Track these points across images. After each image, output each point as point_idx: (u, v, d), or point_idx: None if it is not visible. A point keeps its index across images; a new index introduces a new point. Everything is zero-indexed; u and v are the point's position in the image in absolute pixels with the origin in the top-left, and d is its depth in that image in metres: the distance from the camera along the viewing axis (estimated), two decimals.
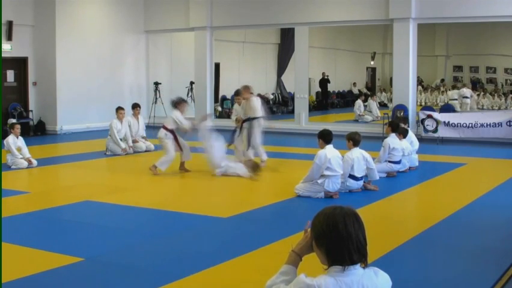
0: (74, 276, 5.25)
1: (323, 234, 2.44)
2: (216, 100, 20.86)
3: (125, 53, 19.49)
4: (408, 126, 11.60)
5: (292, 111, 18.72)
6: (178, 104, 10.93)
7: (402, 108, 15.91)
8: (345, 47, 27.65)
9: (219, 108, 21.52)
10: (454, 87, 25.61)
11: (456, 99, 22.47)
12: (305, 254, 2.66)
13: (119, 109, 13.17)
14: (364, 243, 2.44)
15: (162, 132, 10.76)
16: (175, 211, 7.75)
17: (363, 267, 2.47)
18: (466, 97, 22.68)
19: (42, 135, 17.15)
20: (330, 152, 8.34)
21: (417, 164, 11.09)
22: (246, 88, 11.76)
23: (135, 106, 13.77)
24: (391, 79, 19.35)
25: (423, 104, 24.42)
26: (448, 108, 18.20)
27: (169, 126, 10.77)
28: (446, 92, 27.54)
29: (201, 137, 10.68)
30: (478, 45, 28.47)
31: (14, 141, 11.21)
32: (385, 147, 10.22)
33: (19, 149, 11.24)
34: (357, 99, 21.86)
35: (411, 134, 11.36)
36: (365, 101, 21.81)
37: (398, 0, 15.81)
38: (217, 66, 20.41)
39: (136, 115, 13.63)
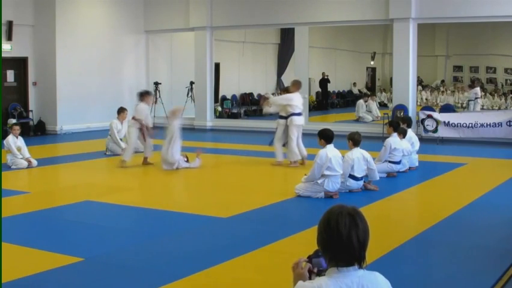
0: (74, 276, 5.26)
1: (319, 232, 2.48)
2: (216, 100, 20.86)
3: (125, 53, 19.48)
4: (409, 126, 11.57)
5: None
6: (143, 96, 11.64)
7: (402, 108, 15.91)
8: (345, 47, 27.64)
9: (219, 108, 21.53)
10: (452, 90, 25.61)
11: (473, 100, 22.34)
12: None
13: (122, 110, 13.19)
14: (357, 244, 2.40)
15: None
16: (175, 211, 7.75)
17: (361, 269, 2.46)
18: (478, 97, 22.54)
19: (42, 135, 17.15)
20: (330, 151, 8.35)
21: (417, 164, 11.09)
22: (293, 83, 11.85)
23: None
24: (391, 79, 19.35)
25: (423, 103, 24.40)
26: (448, 108, 18.19)
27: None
28: (446, 92, 27.53)
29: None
30: (478, 45, 28.45)
31: (14, 141, 11.21)
32: (386, 146, 10.21)
33: (19, 149, 11.24)
34: (358, 100, 21.84)
35: (412, 135, 11.35)
36: (365, 101, 21.82)
37: (398, 0, 15.80)
38: (217, 66, 20.40)
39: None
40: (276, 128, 11.58)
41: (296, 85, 11.62)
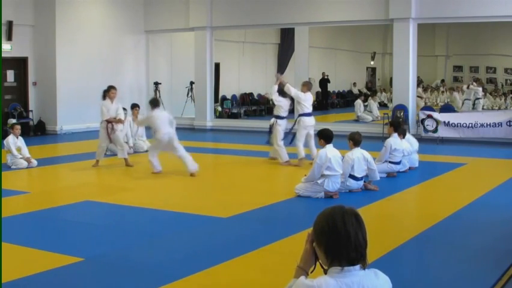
0: (74, 276, 5.26)
1: (322, 232, 2.46)
2: (216, 100, 20.87)
3: (125, 53, 19.48)
4: (408, 128, 11.58)
5: (292, 111, 18.70)
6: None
7: (402, 108, 15.91)
8: (345, 47, 27.65)
9: (219, 108, 21.53)
10: (452, 90, 25.42)
11: (470, 99, 22.18)
12: (310, 267, 2.64)
13: (134, 106, 13.51)
14: (363, 244, 2.43)
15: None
16: (175, 211, 7.75)
17: (363, 269, 2.46)
18: (479, 98, 22.36)
19: (42, 135, 17.15)
20: (330, 151, 8.35)
21: (417, 164, 11.07)
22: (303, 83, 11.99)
23: (134, 106, 13.77)
24: (391, 79, 19.34)
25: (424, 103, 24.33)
26: (448, 108, 18.19)
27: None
28: (446, 92, 27.49)
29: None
30: (478, 45, 28.47)
31: (14, 141, 11.22)
32: (387, 147, 10.20)
33: (19, 149, 11.25)
34: (356, 99, 21.84)
35: (408, 136, 11.33)
36: (364, 101, 21.81)
37: (398, 0, 15.80)
38: (217, 66, 20.40)
39: (135, 115, 13.61)
40: (270, 127, 11.72)
41: (307, 85, 11.84)
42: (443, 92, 27.80)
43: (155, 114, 10.65)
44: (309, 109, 11.59)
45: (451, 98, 24.62)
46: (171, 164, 11.02)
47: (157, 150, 10.63)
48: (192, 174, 10.32)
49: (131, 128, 13.34)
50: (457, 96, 23.91)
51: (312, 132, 11.50)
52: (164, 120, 10.62)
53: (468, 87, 22.40)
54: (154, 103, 10.97)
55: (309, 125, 11.52)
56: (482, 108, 23.86)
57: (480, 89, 22.60)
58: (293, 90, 11.52)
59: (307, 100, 11.53)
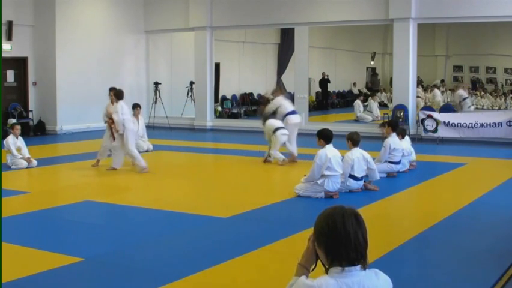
0: (74, 276, 5.26)
1: (322, 232, 2.46)
2: (216, 100, 20.86)
3: (125, 53, 19.48)
4: (408, 128, 11.59)
5: None
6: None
7: (402, 108, 15.91)
8: (345, 47, 27.63)
9: (219, 108, 21.53)
10: (435, 87, 25.41)
11: (460, 102, 22.11)
12: (311, 265, 2.66)
13: (135, 106, 13.67)
14: (363, 244, 2.44)
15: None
16: (175, 211, 7.75)
17: (364, 269, 2.47)
18: (465, 97, 22.37)
19: (42, 135, 17.15)
20: (330, 151, 8.35)
21: (414, 155, 10.97)
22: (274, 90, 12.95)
23: (135, 106, 13.78)
24: (391, 79, 19.33)
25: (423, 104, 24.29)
26: (448, 108, 18.18)
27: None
28: (446, 92, 27.47)
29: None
30: (478, 45, 28.44)
31: (14, 142, 11.21)
32: (386, 147, 10.20)
33: (19, 149, 11.25)
34: (356, 100, 21.82)
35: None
36: (364, 101, 21.78)
37: (398, 0, 15.80)
38: (217, 66, 20.40)
39: (136, 115, 13.60)
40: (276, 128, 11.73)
41: (277, 92, 12.63)
42: (443, 92, 27.78)
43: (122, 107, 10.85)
44: (292, 108, 12.24)
45: (432, 95, 24.68)
46: (170, 164, 11.03)
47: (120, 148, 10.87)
48: (112, 168, 10.84)
49: None
50: (437, 94, 23.98)
51: (296, 131, 11.97)
52: (128, 114, 10.99)
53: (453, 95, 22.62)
54: (119, 95, 11.03)
55: (296, 122, 12.03)
56: (482, 108, 23.82)
57: (460, 90, 22.61)
58: (270, 107, 12.14)
59: (282, 101, 12.12)
